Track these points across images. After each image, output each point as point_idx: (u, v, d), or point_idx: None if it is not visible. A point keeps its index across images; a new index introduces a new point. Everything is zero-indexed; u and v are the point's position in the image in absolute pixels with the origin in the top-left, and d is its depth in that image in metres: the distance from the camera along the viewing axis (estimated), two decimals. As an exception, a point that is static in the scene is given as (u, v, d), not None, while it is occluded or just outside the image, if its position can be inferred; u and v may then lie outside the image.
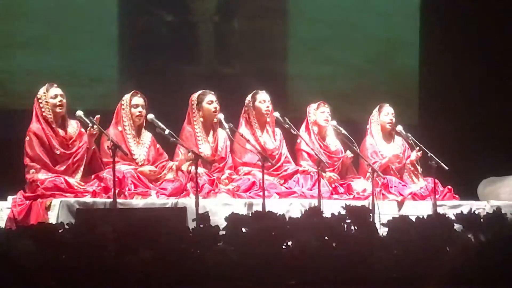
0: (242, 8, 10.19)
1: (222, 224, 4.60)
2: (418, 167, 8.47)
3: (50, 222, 6.55)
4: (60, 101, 7.35)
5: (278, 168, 8.13)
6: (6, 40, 9.16)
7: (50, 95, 7.35)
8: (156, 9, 9.79)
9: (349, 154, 8.27)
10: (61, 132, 7.39)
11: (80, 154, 7.40)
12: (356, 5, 10.43)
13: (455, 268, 2.21)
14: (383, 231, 4.97)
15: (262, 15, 10.16)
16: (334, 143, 8.46)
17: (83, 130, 7.45)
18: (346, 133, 8.10)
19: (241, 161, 8.06)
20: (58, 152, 7.32)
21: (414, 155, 8.39)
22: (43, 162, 7.26)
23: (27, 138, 7.31)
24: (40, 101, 7.36)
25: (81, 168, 7.41)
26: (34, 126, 7.33)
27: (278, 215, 4.77)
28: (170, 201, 7.24)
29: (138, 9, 9.75)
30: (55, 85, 7.41)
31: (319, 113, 8.40)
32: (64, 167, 7.32)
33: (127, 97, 7.70)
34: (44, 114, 7.34)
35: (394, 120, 8.57)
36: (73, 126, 7.47)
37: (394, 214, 6.93)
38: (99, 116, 7.26)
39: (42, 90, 7.39)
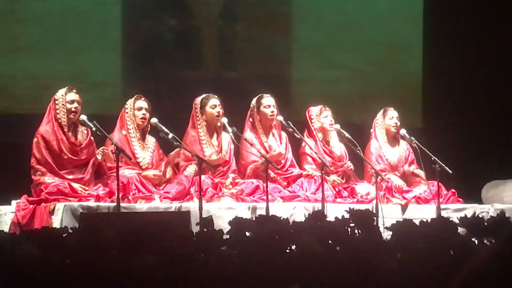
0: (245, 13, 10.18)
1: (226, 228, 4.59)
2: (422, 174, 8.41)
3: (54, 226, 6.54)
4: (76, 107, 7.30)
5: (283, 172, 8.13)
6: (9, 44, 9.15)
7: (68, 99, 7.32)
8: (160, 13, 9.79)
9: (349, 165, 8.28)
10: (71, 137, 7.37)
11: (90, 166, 7.38)
12: (359, 9, 10.43)
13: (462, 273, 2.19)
14: (387, 234, 4.97)
15: (266, 19, 10.16)
16: (338, 146, 8.45)
17: (92, 138, 7.44)
18: (349, 136, 8.09)
19: (248, 161, 8.04)
20: (65, 157, 7.28)
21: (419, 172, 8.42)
22: (49, 165, 7.24)
23: (35, 139, 7.27)
24: (56, 102, 7.31)
25: (92, 180, 7.41)
26: (43, 128, 7.29)
27: (282, 219, 4.76)
28: (173, 205, 7.24)
29: (142, 14, 9.75)
30: (75, 90, 7.36)
31: (322, 118, 8.39)
32: (72, 176, 7.28)
33: (130, 101, 7.71)
34: (58, 116, 7.30)
35: (399, 123, 8.56)
36: (83, 133, 7.44)
37: (398, 218, 6.94)
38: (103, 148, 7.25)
39: (60, 92, 7.33)
